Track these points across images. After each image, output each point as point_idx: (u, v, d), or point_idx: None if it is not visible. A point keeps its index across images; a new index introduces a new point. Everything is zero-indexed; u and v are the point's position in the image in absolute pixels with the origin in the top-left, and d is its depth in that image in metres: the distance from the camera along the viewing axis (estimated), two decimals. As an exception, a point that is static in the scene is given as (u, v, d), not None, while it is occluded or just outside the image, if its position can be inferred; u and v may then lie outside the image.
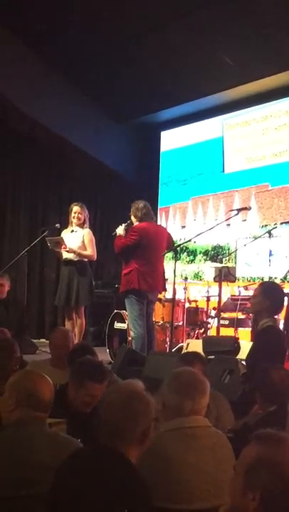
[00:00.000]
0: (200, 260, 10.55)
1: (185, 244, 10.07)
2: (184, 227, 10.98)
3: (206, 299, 8.78)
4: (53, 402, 2.99)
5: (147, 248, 7.59)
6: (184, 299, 8.91)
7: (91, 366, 4.01)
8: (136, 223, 7.78)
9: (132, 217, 7.83)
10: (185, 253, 10.71)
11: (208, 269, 9.48)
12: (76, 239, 8.37)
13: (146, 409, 2.54)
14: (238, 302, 8.08)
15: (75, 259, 8.38)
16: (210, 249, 10.40)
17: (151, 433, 2.59)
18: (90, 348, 5.27)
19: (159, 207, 11.41)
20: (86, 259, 8.46)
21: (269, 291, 5.55)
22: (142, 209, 7.76)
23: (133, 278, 7.55)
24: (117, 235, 7.77)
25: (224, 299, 8.28)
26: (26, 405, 2.91)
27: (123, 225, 7.83)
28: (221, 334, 7.71)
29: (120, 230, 7.77)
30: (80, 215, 8.45)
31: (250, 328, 7.83)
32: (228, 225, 9.50)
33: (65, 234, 8.52)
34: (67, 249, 8.29)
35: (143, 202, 7.88)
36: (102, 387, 3.86)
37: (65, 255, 8.41)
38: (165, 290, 8.31)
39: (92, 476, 2.21)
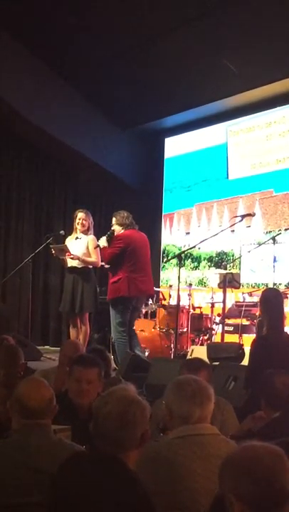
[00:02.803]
0: (204, 266, 10.56)
1: (189, 251, 10.09)
2: (188, 233, 10.98)
3: (210, 305, 8.79)
4: (47, 408, 2.96)
5: (134, 254, 7.83)
6: (189, 306, 8.91)
7: (80, 355, 4.28)
8: (120, 232, 7.95)
9: (117, 226, 8.02)
10: (189, 259, 10.71)
11: (213, 275, 9.50)
12: (81, 246, 8.38)
13: (142, 414, 2.53)
14: (243, 308, 8.08)
15: (80, 266, 8.39)
16: (214, 255, 10.41)
17: (149, 434, 2.58)
18: (104, 352, 5.31)
19: (163, 213, 11.43)
20: (90, 266, 8.47)
21: (265, 299, 5.64)
22: (128, 217, 8.01)
23: (122, 286, 7.73)
24: (101, 246, 7.95)
25: (228, 305, 8.28)
26: (17, 413, 2.94)
27: (104, 236, 8.02)
28: (225, 340, 7.71)
29: (103, 242, 7.95)
30: (84, 222, 8.46)
31: (254, 335, 7.83)
32: (233, 231, 9.51)
33: (70, 241, 8.54)
34: (72, 256, 8.30)
35: (126, 211, 8.11)
36: (88, 374, 3.94)
37: (70, 262, 8.43)
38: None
39: (92, 483, 2.20)
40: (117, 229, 8.00)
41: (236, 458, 1.95)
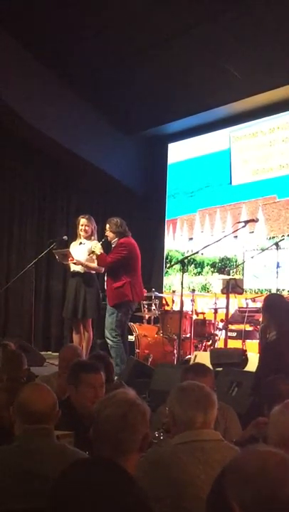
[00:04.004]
0: (207, 272, 10.55)
1: (192, 257, 10.09)
2: (191, 239, 10.98)
3: (213, 311, 8.77)
4: (50, 413, 2.96)
5: (134, 261, 8.08)
6: (192, 311, 8.90)
7: (81, 363, 4.31)
8: (114, 239, 8.10)
9: (110, 233, 8.17)
10: (192, 265, 10.70)
11: (216, 281, 9.51)
12: (84, 251, 8.37)
13: (143, 418, 2.51)
14: (246, 314, 8.06)
15: (83, 272, 8.39)
16: (217, 261, 10.40)
17: (150, 438, 2.57)
18: (106, 357, 5.31)
19: (166, 219, 11.42)
20: (94, 272, 8.47)
21: (269, 305, 5.61)
22: (122, 224, 8.15)
23: (126, 291, 7.94)
24: (98, 253, 8.01)
25: (232, 311, 8.27)
26: (20, 418, 2.93)
27: (99, 243, 8.16)
28: (228, 346, 7.70)
29: (99, 249, 8.06)
30: (86, 228, 8.47)
31: (257, 341, 7.81)
32: (236, 236, 9.50)
33: (74, 246, 8.55)
34: (75, 262, 8.32)
35: (119, 218, 8.24)
36: (99, 378, 3.98)
37: (73, 267, 8.44)
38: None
39: (91, 489, 2.19)
40: (110, 236, 8.15)
41: (240, 464, 1.92)
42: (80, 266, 8.35)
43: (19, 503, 2.64)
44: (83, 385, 3.96)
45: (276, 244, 7.94)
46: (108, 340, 7.97)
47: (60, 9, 8.49)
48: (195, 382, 3.19)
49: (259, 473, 1.84)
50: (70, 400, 3.99)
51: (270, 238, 9.47)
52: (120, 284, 7.92)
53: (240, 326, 8.12)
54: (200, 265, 10.68)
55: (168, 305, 9.91)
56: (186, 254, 10.20)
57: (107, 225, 8.19)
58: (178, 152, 11.46)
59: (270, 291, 8.54)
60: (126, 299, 7.94)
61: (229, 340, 7.87)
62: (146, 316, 9.44)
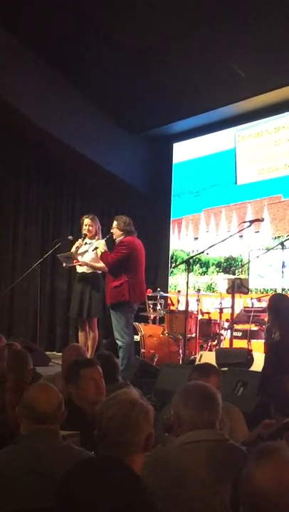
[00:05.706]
0: (213, 272, 10.54)
1: (198, 256, 10.08)
2: (196, 238, 10.97)
3: (218, 310, 8.76)
4: (56, 413, 2.96)
5: (135, 260, 7.96)
6: (197, 311, 8.90)
7: (77, 360, 4.39)
8: (120, 237, 8.05)
9: (117, 231, 8.09)
10: (198, 265, 10.69)
11: (221, 280, 9.50)
12: (88, 251, 8.37)
13: (147, 417, 2.51)
14: (251, 314, 8.05)
15: (88, 272, 8.40)
16: (223, 260, 10.39)
17: (154, 437, 2.57)
18: (111, 357, 5.30)
19: (171, 218, 11.42)
20: (99, 271, 8.47)
21: (274, 305, 5.61)
22: (130, 223, 8.10)
23: (124, 290, 7.85)
24: (102, 250, 8.00)
25: (237, 310, 8.26)
26: (26, 418, 2.93)
27: (103, 240, 8.15)
28: (234, 346, 7.69)
29: (103, 246, 8.05)
30: (90, 228, 8.46)
31: (263, 340, 7.80)
32: (241, 236, 9.50)
33: (81, 244, 8.53)
34: (80, 263, 8.33)
35: (127, 217, 8.21)
36: (97, 371, 4.08)
37: (79, 268, 8.44)
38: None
39: (97, 488, 2.19)
40: (116, 233, 8.09)
41: (254, 478, 1.86)
42: (86, 266, 8.35)
43: (26, 503, 2.64)
44: (84, 381, 4.01)
45: (281, 243, 7.92)
46: (118, 341, 7.94)
47: (65, 9, 8.49)
48: (200, 382, 3.19)
49: (272, 491, 1.80)
50: (72, 399, 3.99)
51: (275, 238, 9.46)
52: (118, 283, 7.86)
53: (246, 326, 8.11)
54: (205, 265, 10.67)
55: (173, 305, 9.91)
56: (192, 254, 10.21)
57: (115, 222, 8.14)
58: (183, 152, 11.46)
59: (275, 291, 8.53)
60: (123, 298, 7.85)
61: (234, 340, 7.86)
62: (152, 316, 9.44)
